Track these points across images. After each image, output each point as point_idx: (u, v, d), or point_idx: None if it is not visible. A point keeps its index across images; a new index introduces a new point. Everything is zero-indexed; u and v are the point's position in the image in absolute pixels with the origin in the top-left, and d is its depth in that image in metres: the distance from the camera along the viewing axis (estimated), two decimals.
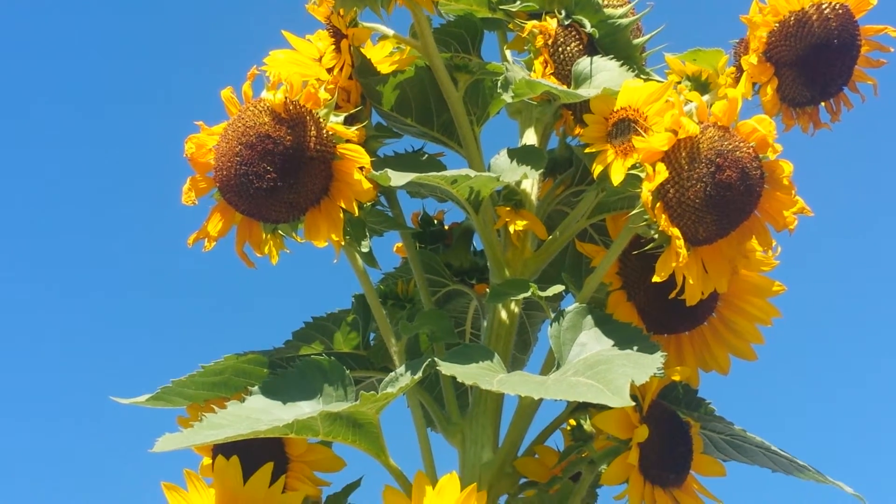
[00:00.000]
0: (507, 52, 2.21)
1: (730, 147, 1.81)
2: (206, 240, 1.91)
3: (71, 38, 7.86)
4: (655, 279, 1.81)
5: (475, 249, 2.26)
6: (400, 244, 2.25)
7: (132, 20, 7.86)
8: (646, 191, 1.79)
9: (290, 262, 1.96)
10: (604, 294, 2.03)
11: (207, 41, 7.71)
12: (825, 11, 1.99)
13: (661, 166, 1.79)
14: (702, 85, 2.15)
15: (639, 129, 1.83)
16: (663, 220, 1.80)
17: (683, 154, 1.81)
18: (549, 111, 2.10)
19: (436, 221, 2.27)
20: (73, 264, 7.45)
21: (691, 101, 1.87)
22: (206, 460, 2.02)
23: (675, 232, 1.79)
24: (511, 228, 2.02)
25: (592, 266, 2.01)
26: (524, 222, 2.03)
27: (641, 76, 2.06)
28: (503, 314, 2.06)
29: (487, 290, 2.08)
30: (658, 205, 1.81)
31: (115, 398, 2.05)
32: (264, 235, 1.92)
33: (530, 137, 2.16)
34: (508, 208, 2.05)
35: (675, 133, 1.80)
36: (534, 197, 2.12)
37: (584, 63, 2.01)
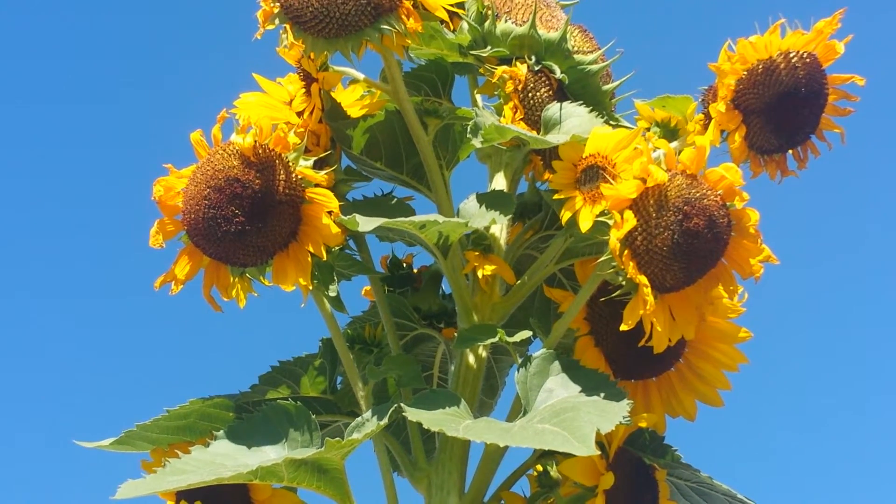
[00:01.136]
0: (478, 97, 2.21)
1: (697, 195, 1.82)
2: (173, 283, 1.91)
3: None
4: (623, 327, 1.81)
5: (444, 293, 2.25)
6: (368, 287, 2.25)
7: (105, 62, 7.84)
8: (613, 238, 1.80)
9: (257, 305, 1.96)
10: (571, 339, 2.03)
11: (179, 82, 7.68)
12: (793, 60, 2.00)
13: (629, 214, 1.80)
14: (670, 131, 2.16)
15: (607, 176, 1.84)
16: (631, 268, 1.80)
17: (651, 202, 1.82)
18: (519, 156, 2.11)
19: (405, 265, 2.27)
20: (32, 302, 7.37)
21: (660, 149, 1.88)
22: None
23: (643, 279, 1.80)
24: (479, 273, 2.03)
25: (560, 311, 2.01)
26: (493, 267, 2.03)
27: (611, 122, 2.07)
28: (471, 359, 2.06)
29: (455, 334, 2.08)
30: (626, 252, 1.81)
31: (78, 442, 2.04)
32: (232, 279, 1.91)
33: (500, 182, 2.16)
34: (477, 253, 2.05)
35: (644, 181, 1.81)
36: (502, 241, 2.12)
37: (553, 109, 2.01)
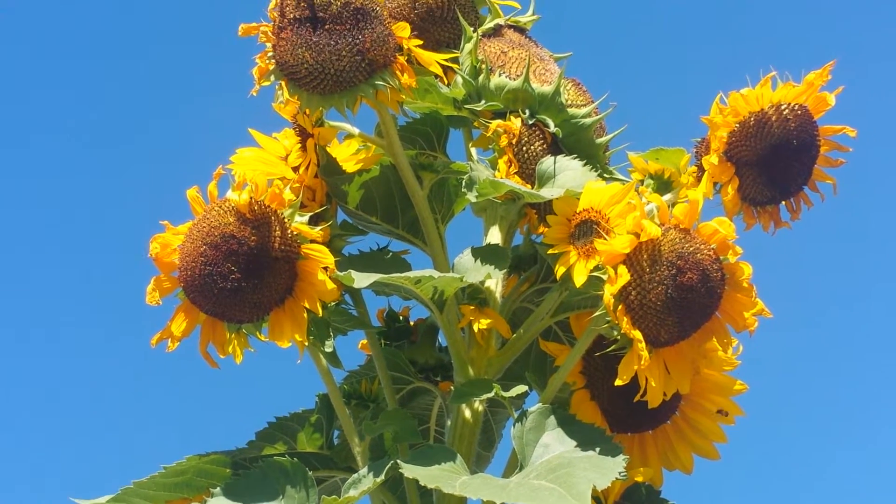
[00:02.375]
0: (473, 150, 2.22)
1: (691, 249, 1.83)
2: (170, 340, 1.91)
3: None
4: (618, 383, 1.82)
5: (440, 345, 2.26)
6: (365, 341, 2.25)
7: (108, 119, 7.83)
8: (608, 293, 1.80)
9: (253, 360, 1.96)
10: (567, 393, 2.04)
11: (173, 136, 7.66)
12: (784, 112, 2.01)
13: (622, 269, 1.81)
14: (664, 183, 2.18)
15: (601, 230, 1.85)
16: (625, 323, 1.81)
17: (645, 256, 1.83)
18: (514, 209, 2.12)
19: (401, 317, 2.27)
20: (28, 359, 7.32)
21: (653, 203, 1.88)
22: None
23: (637, 335, 1.80)
24: (475, 327, 2.03)
25: (556, 365, 2.02)
26: (488, 321, 2.03)
27: (605, 175, 2.08)
28: (467, 413, 2.06)
29: (452, 388, 2.08)
30: (620, 307, 1.82)
31: (74, 499, 2.03)
32: (228, 335, 1.92)
33: (495, 235, 2.17)
34: (472, 307, 2.06)
35: (637, 236, 1.82)
36: (498, 294, 2.13)
37: (547, 162, 2.03)
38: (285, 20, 1.91)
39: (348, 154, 2.15)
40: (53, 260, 7.54)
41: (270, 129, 2.19)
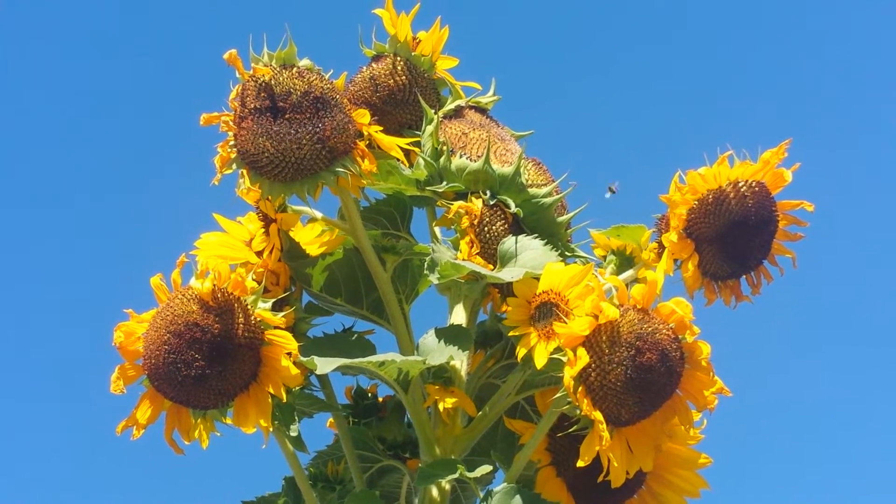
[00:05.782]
0: (437, 229, 2.25)
1: (650, 330, 1.85)
2: (135, 427, 1.92)
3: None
4: (580, 463, 1.83)
5: (409, 421, 2.26)
6: (332, 419, 2.26)
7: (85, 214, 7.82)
8: (567, 376, 1.82)
9: (219, 444, 1.97)
10: (533, 471, 2.05)
11: (138, 222, 7.65)
12: (742, 189, 2.04)
13: (582, 351, 1.82)
14: (626, 259, 2.20)
15: (560, 312, 1.87)
16: (585, 405, 1.82)
17: (604, 338, 1.85)
18: (477, 289, 2.14)
19: (369, 394, 2.28)
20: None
21: (611, 284, 1.91)
22: None
23: (598, 416, 1.82)
24: (440, 406, 2.04)
25: (522, 443, 2.03)
26: (453, 400, 2.04)
27: (566, 253, 2.11)
28: (434, 492, 2.07)
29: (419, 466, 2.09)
30: (580, 389, 1.83)
31: None
32: (194, 421, 1.93)
33: (459, 313, 2.18)
34: (438, 386, 2.07)
35: (596, 317, 1.84)
36: (464, 372, 2.14)
37: (509, 242, 2.05)
38: (246, 110, 1.93)
39: (312, 237, 2.16)
40: (19, 346, 7.50)
41: (236, 212, 2.21)
